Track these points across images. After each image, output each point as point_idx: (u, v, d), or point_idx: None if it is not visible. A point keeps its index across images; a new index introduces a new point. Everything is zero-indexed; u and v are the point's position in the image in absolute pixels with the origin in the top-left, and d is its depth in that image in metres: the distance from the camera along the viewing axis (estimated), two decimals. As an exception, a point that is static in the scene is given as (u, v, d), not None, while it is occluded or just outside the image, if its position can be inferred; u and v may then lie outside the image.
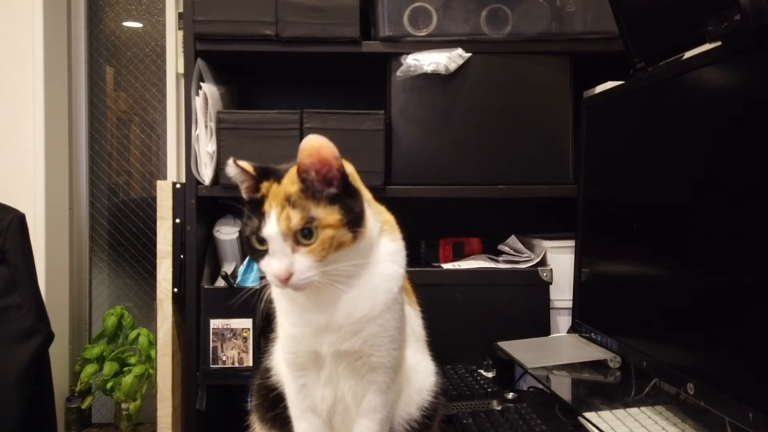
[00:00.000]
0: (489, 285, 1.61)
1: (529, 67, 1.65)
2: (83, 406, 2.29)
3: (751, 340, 0.89)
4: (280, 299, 0.87)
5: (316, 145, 0.76)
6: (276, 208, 0.76)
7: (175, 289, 1.67)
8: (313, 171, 0.77)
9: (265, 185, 0.79)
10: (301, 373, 0.87)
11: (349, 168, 0.83)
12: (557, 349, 1.45)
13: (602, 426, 1.07)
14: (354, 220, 0.78)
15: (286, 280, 0.75)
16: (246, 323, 1.61)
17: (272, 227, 0.75)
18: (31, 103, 2.23)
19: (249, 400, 1.04)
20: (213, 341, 1.61)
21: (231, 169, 0.81)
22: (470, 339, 1.55)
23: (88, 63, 2.45)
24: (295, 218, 0.75)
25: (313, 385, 0.87)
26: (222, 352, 1.61)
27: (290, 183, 0.78)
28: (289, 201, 0.76)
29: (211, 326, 1.61)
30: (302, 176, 0.77)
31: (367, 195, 0.86)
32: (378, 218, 0.86)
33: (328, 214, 0.76)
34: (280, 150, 1.56)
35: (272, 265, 0.75)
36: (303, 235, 0.75)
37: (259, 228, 0.76)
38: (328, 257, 0.76)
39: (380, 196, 0.91)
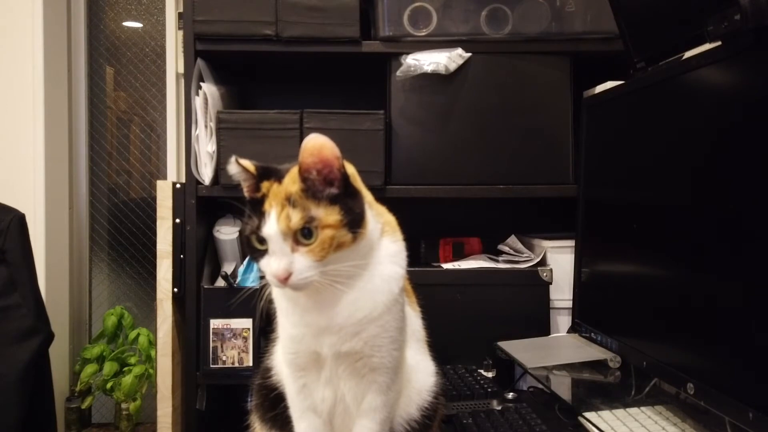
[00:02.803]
0: (489, 285, 1.60)
1: (529, 67, 1.65)
2: (83, 406, 2.29)
3: (751, 340, 0.89)
4: (280, 299, 0.87)
5: (318, 145, 0.76)
6: (276, 207, 0.76)
7: (175, 289, 1.67)
8: (315, 171, 0.77)
9: (265, 185, 0.79)
10: (302, 374, 0.87)
11: (351, 169, 0.83)
12: (557, 349, 1.45)
13: (602, 426, 1.07)
14: (354, 221, 0.78)
15: (285, 280, 0.75)
16: (246, 323, 1.61)
17: (272, 226, 0.75)
18: (31, 103, 2.23)
19: (249, 399, 1.04)
20: (213, 341, 1.60)
21: (233, 167, 0.81)
22: (470, 339, 1.55)
23: (88, 63, 2.45)
24: (295, 218, 0.75)
25: (314, 385, 0.87)
26: (222, 352, 1.61)
27: (291, 182, 0.78)
28: (289, 200, 0.76)
29: (211, 326, 1.61)
30: (303, 176, 0.77)
31: (368, 196, 0.86)
32: (379, 219, 0.86)
33: (328, 215, 0.76)
34: (280, 150, 1.56)
35: (271, 265, 0.75)
36: (303, 234, 0.75)
37: (258, 227, 0.76)
38: (328, 257, 0.76)
39: (380, 196, 0.91)
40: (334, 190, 0.78)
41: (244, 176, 0.81)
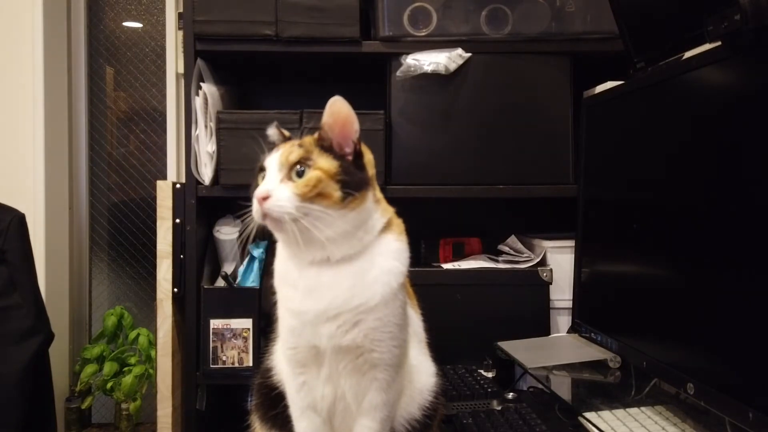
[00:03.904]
0: (489, 285, 1.60)
1: (529, 67, 1.65)
2: (83, 406, 2.29)
3: (751, 341, 0.89)
4: (281, 285, 0.88)
5: (343, 113, 0.84)
6: (287, 146, 0.85)
7: (175, 289, 1.67)
8: (331, 130, 0.84)
9: (293, 140, 0.89)
10: (302, 371, 0.88)
11: (368, 155, 0.89)
12: (557, 349, 1.45)
13: (602, 426, 1.07)
14: (349, 183, 0.82)
15: (263, 200, 0.79)
16: (246, 323, 1.61)
17: (274, 157, 0.84)
18: (31, 104, 2.23)
19: (249, 399, 1.04)
20: (213, 341, 1.60)
21: (272, 130, 0.92)
22: (470, 339, 1.55)
23: (88, 63, 2.44)
24: (295, 153, 0.82)
25: (314, 383, 0.88)
26: (222, 352, 1.61)
27: (309, 136, 0.87)
28: (300, 145, 0.84)
29: (211, 326, 1.61)
30: (320, 132, 0.85)
31: (378, 194, 0.89)
32: (384, 215, 0.88)
33: (324, 161, 0.82)
34: (280, 150, 1.55)
35: (258, 188, 0.81)
36: (297, 174, 0.81)
37: (264, 158, 0.85)
38: (308, 198, 0.79)
39: (380, 196, 0.92)
40: (342, 154, 0.84)
41: (279, 138, 0.92)
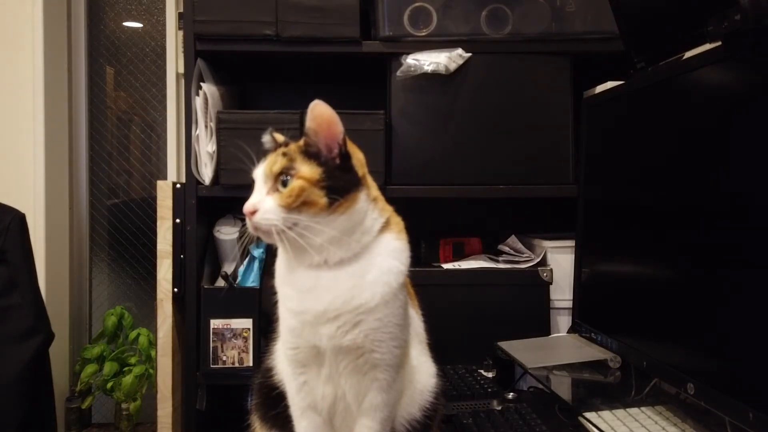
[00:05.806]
0: (489, 285, 1.60)
1: (529, 67, 1.65)
2: (83, 406, 2.29)
3: (751, 340, 0.89)
4: (282, 285, 0.88)
5: (326, 116, 0.83)
6: (272, 156, 0.85)
7: (175, 289, 1.66)
8: (315, 136, 0.83)
9: (282, 147, 0.87)
10: (302, 371, 0.88)
11: (358, 154, 0.87)
12: (557, 349, 1.45)
13: (602, 426, 1.07)
14: (334, 188, 0.82)
15: (251, 214, 0.80)
16: (246, 323, 1.60)
17: (260, 169, 0.84)
18: (31, 103, 2.23)
19: (249, 399, 1.04)
20: (213, 341, 1.60)
21: (266, 137, 0.92)
22: (470, 339, 1.55)
23: (88, 63, 2.45)
24: (278, 164, 0.82)
25: (314, 383, 0.88)
26: (222, 352, 1.61)
27: (295, 143, 0.86)
28: (284, 154, 0.84)
29: (211, 326, 1.60)
30: (305, 137, 0.84)
31: (375, 192, 0.89)
32: (383, 214, 0.88)
33: (307, 169, 0.82)
34: (280, 150, 1.55)
35: (247, 202, 0.82)
36: (282, 183, 0.81)
37: (254, 170, 0.85)
38: (294, 207, 0.80)
39: (380, 197, 0.92)
40: (328, 158, 0.83)
41: (272, 145, 0.91)
